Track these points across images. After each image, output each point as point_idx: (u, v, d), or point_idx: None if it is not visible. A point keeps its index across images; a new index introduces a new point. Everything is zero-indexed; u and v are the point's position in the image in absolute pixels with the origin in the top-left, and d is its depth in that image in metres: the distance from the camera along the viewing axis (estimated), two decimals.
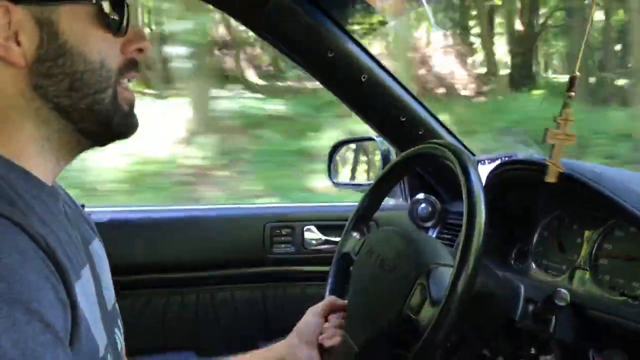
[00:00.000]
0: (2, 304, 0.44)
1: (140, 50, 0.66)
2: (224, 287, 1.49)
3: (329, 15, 1.14)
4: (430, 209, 1.35)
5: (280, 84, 9.15)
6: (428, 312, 0.68)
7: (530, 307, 0.77)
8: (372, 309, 0.79)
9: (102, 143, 0.67)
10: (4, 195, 0.52)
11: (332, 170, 1.60)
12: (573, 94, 0.77)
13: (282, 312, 1.50)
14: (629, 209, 0.78)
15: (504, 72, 11.01)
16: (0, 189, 0.53)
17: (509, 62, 10.93)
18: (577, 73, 0.77)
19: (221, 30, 10.03)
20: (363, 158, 1.66)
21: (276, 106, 7.74)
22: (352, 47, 1.18)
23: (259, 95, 8.02)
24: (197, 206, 1.87)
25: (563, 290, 0.73)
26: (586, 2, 8.52)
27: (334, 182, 1.59)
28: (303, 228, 1.51)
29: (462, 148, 0.83)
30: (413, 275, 0.73)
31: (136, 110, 0.67)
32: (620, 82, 8.79)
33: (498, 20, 11.23)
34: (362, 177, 1.66)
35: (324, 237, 1.51)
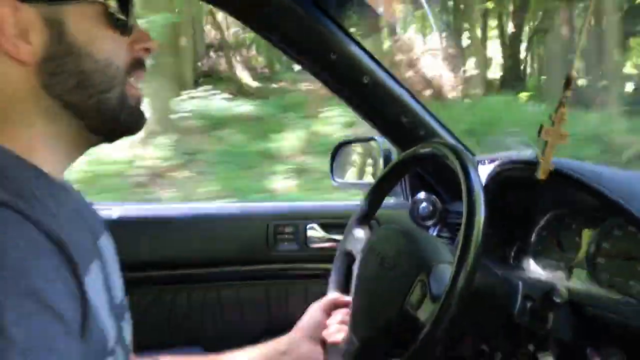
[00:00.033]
0: (13, 295, 0.45)
1: (147, 49, 0.67)
2: (229, 283, 1.51)
3: (331, 17, 1.15)
4: (430, 208, 1.36)
5: (275, 85, 9.11)
6: (428, 307, 0.69)
7: (529, 304, 0.79)
8: (373, 305, 0.81)
9: (110, 139, 0.68)
10: (16, 190, 0.53)
11: (334, 170, 1.62)
12: (569, 94, 0.78)
13: (286, 309, 1.51)
14: (629, 209, 0.79)
15: (496, 74, 11.04)
16: (11, 183, 0.53)
17: (501, 65, 10.98)
18: (575, 74, 0.79)
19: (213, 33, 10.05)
20: (365, 158, 1.68)
21: (247, 107, 7.64)
22: (354, 49, 1.19)
23: (228, 96, 7.91)
24: (203, 204, 1.89)
25: (561, 288, 0.74)
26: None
27: (336, 182, 1.60)
28: (306, 226, 1.53)
29: (462, 148, 0.85)
30: (414, 272, 0.74)
31: (142, 107, 0.69)
32: (596, 85, 8.81)
33: (491, 22, 11.27)
34: (363, 177, 1.68)
35: (326, 235, 1.53)
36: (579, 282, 0.92)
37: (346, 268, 0.97)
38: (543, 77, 10.91)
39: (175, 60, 7.32)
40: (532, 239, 1.05)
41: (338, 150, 1.62)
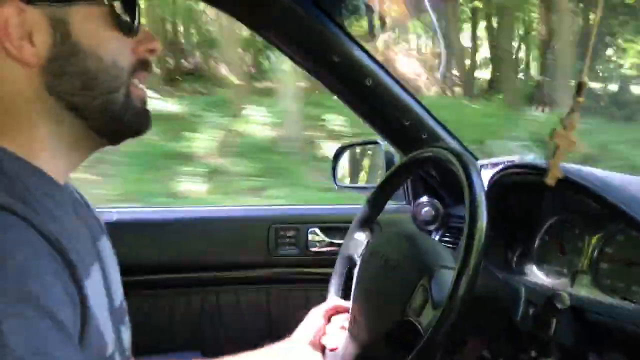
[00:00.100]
0: (13, 300, 0.45)
1: (152, 50, 0.67)
2: (229, 287, 1.50)
3: (332, 18, 1.15)
4: (433, 212, 1.36)
5: (258, 85, 9.02)
6: (429, 314, 0.69)
7: (531, 310, 0.78)
8: (374, 310, 0.80)
9: (115, 141, 0.68)
10: (16, 193, 0.53)
11: (336, 173, 1.61)
12: (581, 99, 0.76)
13: (286, 313, 1.51)
14: (632, 215, 0.78)
15: (483, 76, 11.04)
16: (12, 186, 0.53)
17: (489, 68, 11.02)
18: (586, 79, 0.77)
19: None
20: (367, 161, 1.67)
21: (172, 106, 7.46)
22: (357, 51, 1.19)
23: (157, 95, 7.61)
24: (203, 207, 1.89)
25: (563, 293, 0.74)
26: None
27: (338, 185, 1.60)
28: (307, 230, 1.52)
29: (466, 152, 0.84)
30: (415, 277, 0.73)
31: (148, 107, 0.68)
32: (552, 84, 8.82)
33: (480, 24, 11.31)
34: (365, 180, 1.67)
35: (327, 239, 1.52)
36: (582, 288, 0.91)
37: (347, 272, 0.97)
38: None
39: None
40: (535, 243, 1.04)
41: (340, 153, 1.62)
